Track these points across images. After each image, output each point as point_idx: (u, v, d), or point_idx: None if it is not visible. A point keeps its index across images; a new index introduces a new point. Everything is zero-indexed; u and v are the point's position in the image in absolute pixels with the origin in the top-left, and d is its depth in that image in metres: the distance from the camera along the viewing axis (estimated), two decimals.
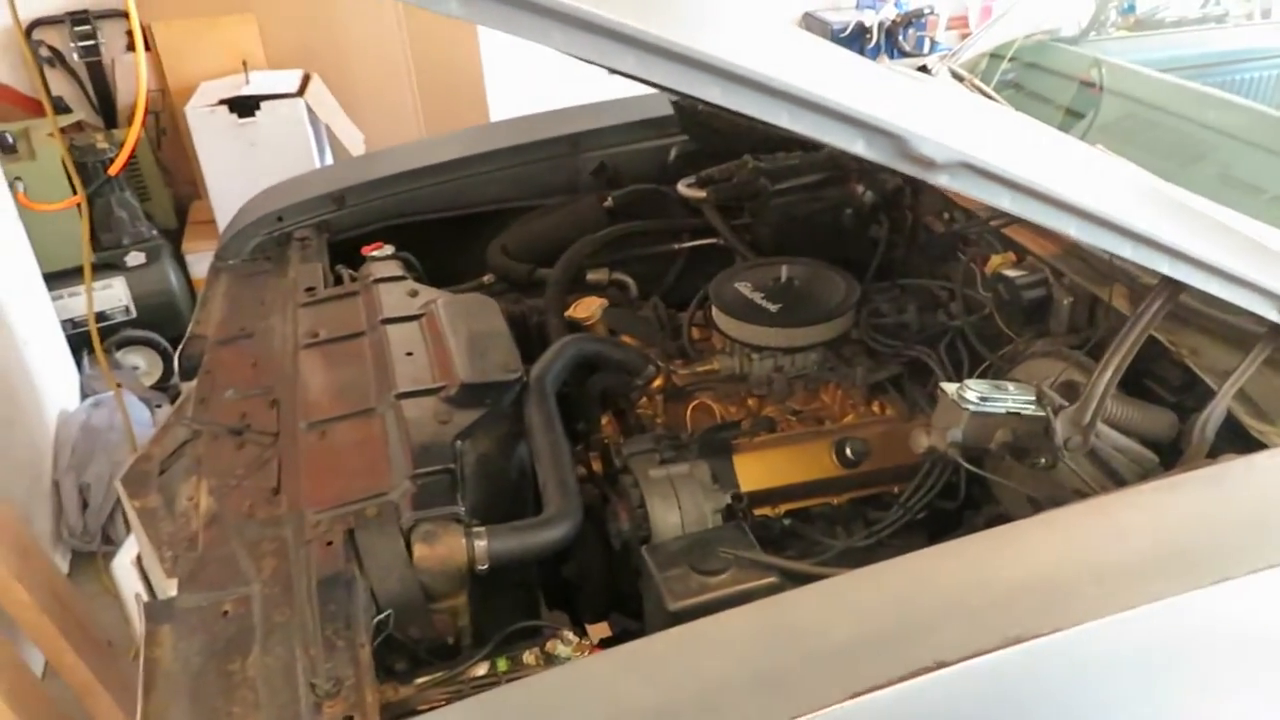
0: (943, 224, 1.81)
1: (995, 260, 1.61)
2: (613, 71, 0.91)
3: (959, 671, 0.87)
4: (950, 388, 1.35)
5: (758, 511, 1.51)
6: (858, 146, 0.88)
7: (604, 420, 1.75)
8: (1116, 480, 1.22)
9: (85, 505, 2.62)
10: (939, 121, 0.91)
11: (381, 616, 1.16)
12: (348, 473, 1.34)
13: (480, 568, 1.22)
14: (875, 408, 1.73)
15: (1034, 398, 1.33)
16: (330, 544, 1.21)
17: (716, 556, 1.22)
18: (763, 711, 0.85)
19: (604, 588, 1.54)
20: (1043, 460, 1.33)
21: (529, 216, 2.23)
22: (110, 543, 2.63)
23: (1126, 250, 1.02)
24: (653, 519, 1.38)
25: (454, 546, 1.20)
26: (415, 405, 1.44)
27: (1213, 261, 1.04)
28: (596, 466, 1.69)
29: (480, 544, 1.21)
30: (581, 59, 0.85)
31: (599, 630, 1.64)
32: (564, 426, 1.46)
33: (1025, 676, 0.89)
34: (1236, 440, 1.20)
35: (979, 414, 1.31)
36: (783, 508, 1.56)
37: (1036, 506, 1.37)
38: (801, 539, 1.54)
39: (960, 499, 1.51)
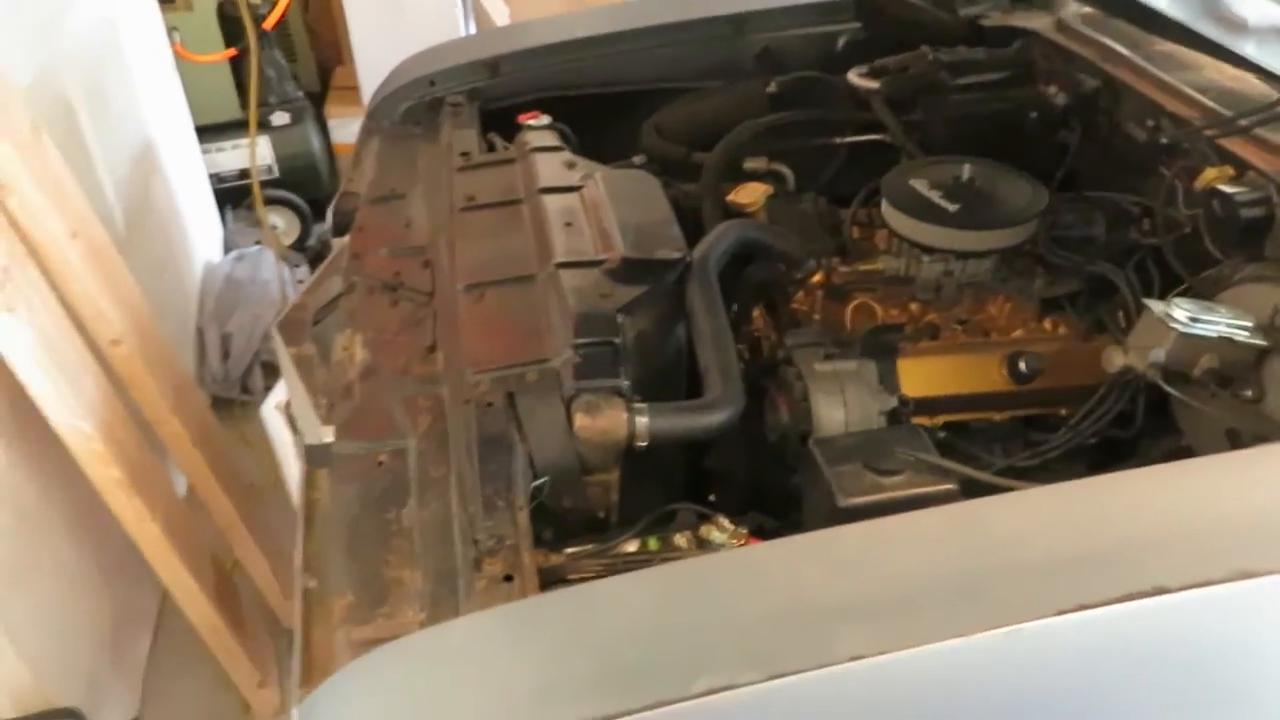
0: (1146, 132, 1.65)
1: (1210, 174, 1.45)
2: None
3: (1180, 601, 0.79)
4: (1157, 305, 1.24)
5: (914, 420, 1.44)
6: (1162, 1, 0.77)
7: (756, 313, 1.68)
8: None
9: (226, 355, 2.70)
10: None
11: (539, 483, 1.14)
12: (506, 337, 1.32)
13: (640, 444, 1.18)
14: (1047, 325, 1.62)
15: (1250, 323, 1.22)
16: (490, 405, 1.19)
17: (892, 456, 1.15)
18: (961, 618, 0.79)
19: (746, 482, 1.50)
20: (1249, 392, 1.23)
21: (686, 98, 2.13)
22: (248, 393, 2.72)
23: None
24: (816, 414, 1.32)
25: (615, 420, 1.17)
26: (576, 276, 1.39)
27: None
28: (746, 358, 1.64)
29: (642, 420, 1.17)
30: None
31: None
32: None
33: (1254, 614, 0.81)
34: None
35: (1187, 335, 1.21)
36: (941, 419, 1.48)
37: (1236, 440, 1.27)
38: (958, 453, 1.46)
39: (1136, 428, 1.41)
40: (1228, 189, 1.41)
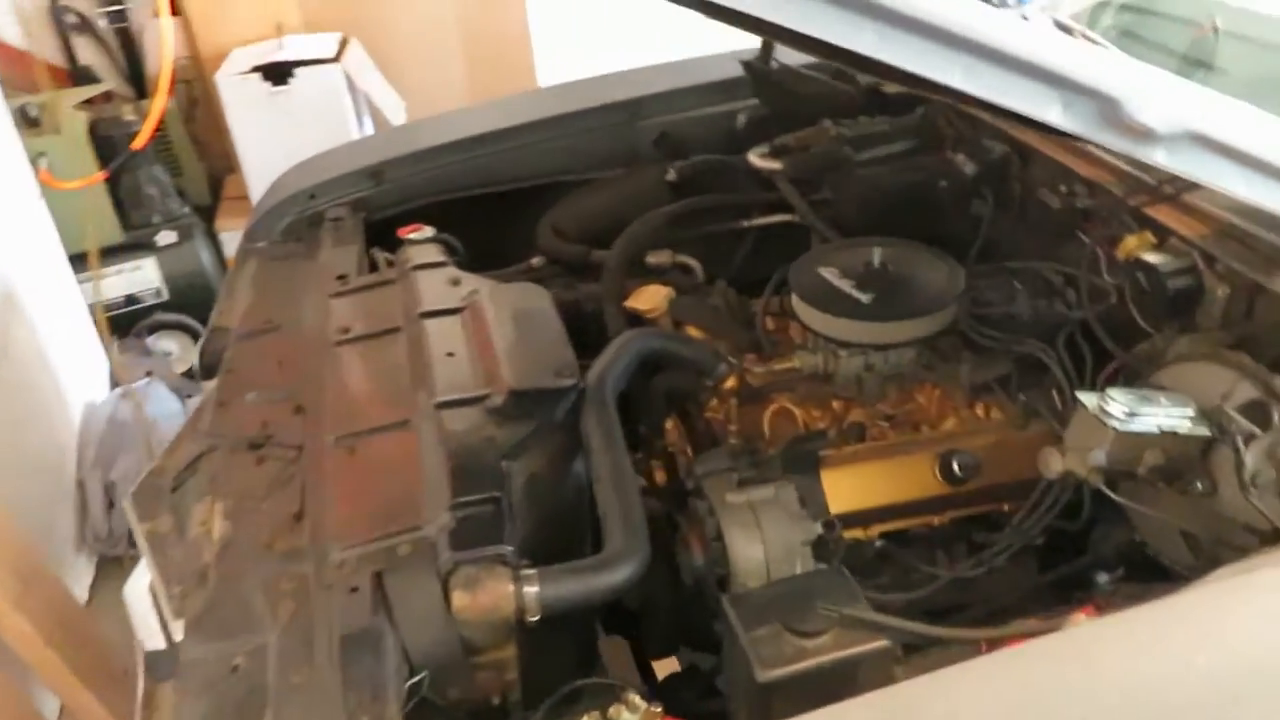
0: (1060, 199, 1.56)
1: (1131, 242, 1.36)
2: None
3: None
4: (1090, 400, 1.13)
5: (847, 533, 1.31)
6: (1052, 113, 0.66)
7: (668, 425, 1.55)
8: None
9: (111, 505, 2.48)
10: (1146, 82, 0.69)
11: (415, 680, 0.98)
12: (378, 499, 1.16)
13: (530, 619, 1.03)
14: (979, 411, 1.51)
15: (1191, 411, 1.11)
16: (355, 590, 1.03)
17: (815, 612, 1.01)
18: None
19: (670, 619, 1.35)
20: (1199, 485, 1.12)
21: (583, 191, 2.03)
22: (136, 547, 2.49)
23: None
24: (731, 554, 1.19)
25: (500, 594, 1.02)
26: (457, 416, 1.25)
27: None
28: (659, 478, 1.50)
29: (530, 590, 1.02)
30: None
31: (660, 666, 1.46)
32: (622, 432, 1.27)
33: None
34: None
35: (1126, 433, 1.09)
36: (875, 529, 1.35)
37: (1192, 542, 1.15)
38: (897, 565, 1.34)
39: (1083, 521, 1.30)
40: (1152, 259, 1.31)
